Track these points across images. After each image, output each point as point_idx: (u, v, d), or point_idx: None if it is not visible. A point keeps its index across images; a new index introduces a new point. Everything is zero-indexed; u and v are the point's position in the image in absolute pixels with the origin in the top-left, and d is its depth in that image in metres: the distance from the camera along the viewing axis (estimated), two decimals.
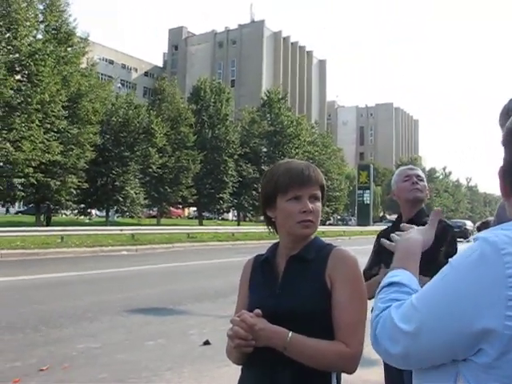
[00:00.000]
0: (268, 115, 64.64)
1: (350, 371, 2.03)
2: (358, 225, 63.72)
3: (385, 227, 4.17)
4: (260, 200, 2.34)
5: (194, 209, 66.95)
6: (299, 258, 2.21)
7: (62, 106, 35.11)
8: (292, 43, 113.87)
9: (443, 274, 1.26)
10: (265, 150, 60.87)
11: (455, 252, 3.48)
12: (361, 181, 75.50)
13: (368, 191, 74.90)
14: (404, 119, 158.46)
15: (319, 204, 2.24)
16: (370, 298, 3.39)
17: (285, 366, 2.01)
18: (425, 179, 3.90)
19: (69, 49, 38.48)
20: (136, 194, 44.29)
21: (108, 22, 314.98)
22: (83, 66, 40.99)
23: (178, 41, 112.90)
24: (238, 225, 55.94)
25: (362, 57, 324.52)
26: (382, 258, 3.65)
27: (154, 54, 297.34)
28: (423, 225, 3.51)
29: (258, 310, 2.00)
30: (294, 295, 2.12)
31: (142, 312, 10.32)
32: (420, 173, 3.89)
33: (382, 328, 1.33)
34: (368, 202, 74.40)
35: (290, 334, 1.98)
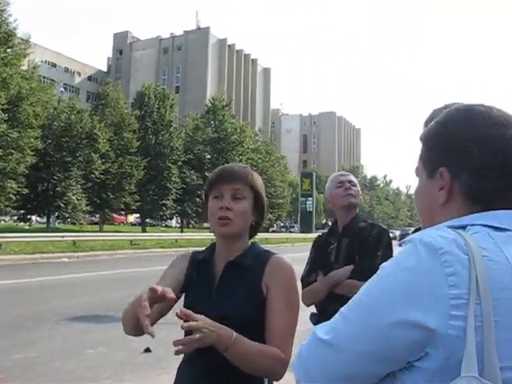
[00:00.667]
0: (212, 122, 64.58)
1: (280, 377, 2.07)
2: (301, 232, 64.24)
3: (320, 234, 4.18)
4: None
5: (137, 215, 66.32)
6: (236, 264, 2.19)
7: (2, 109, 34.06)
8: (237, 51, 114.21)
9: (378, 276, 1.23)
10: (208, 156, 60.82)
11: (391, 255, 3.54)
12: (304, 188, 76.20)
13: (311, 198, 75.64)
14: (346, 128, 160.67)
15: (244, 203, 2.18)
16: (308, 305, 3.51)
17: (221, 369, 1.99)
18: (357, 184, 3.92)
19: (9, 50, 37.06)
20: (78, 200, 43.61)
21: (51, 24, 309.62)
22: (24, 68, 39.88)
23: (123, 45, 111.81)
24: (182, 231, 55.70)
25: (306, 66, 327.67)
26: (319, 265, 3.72)
27: (98, 58, 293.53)
28: (359, 230, 3.66)
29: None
30: (229, 302, 2.10)
31: (82, 320, 10.24)
32: (352, 178, 3.91)
33: (306, 350, 1.27)
34: (311, 209, 75.12)
35: (235, 334, 1.94)
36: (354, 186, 3.84)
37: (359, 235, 3.66)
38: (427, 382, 1.13)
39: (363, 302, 1.20)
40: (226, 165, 2.35)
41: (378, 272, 1.24)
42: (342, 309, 1.24)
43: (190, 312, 1.83)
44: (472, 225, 1.22)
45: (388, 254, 3.51)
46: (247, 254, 2.22)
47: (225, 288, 2.17)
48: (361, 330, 1.17)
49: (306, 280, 3.72)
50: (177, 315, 1.80)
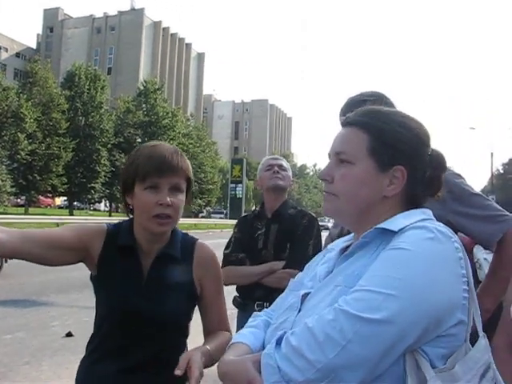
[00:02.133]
0: (144, 105, 63.76)
1: None
2: (231, 218, 64.28)
3: (245, 214, 4.11)
4: (120, 183, 2.13)
5: (65, 198, 64.96)
6: (166, 256, 2.10)
7: None
8: (171, 34, 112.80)
9: (403, 257, 1.30)
10: (139, 140, 59.95)
11: (321, 244, 3.45)
12: (234, 174, 75.93)
13: (240, 185, 75.51)
14: (278, 116, 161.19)
15: (182, 197, 2.05)
16: (227, 284, 3.41)
17: (152, 363, 1.98)
18: (289, 170, 3.86)
19: None
20: (2, 181, 42.29)
21: None
22: None
23: (54, 22, 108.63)
24: (110, 215, 54.81)
25: (240, 52, 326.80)
26: (244, 248, 3.67)
27: (27, 34, 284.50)
28: (289, 216, 3.69)
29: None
30: (161, 299, 2.03)
31: (0, 304, 9.98)
32: (283, 163, 3.86)
33: (339, 333, 1.23)
34: (240, 195, 75.05)
35: (208, 347, 1.92)
36: (284, 170, 3.79)
37: (290, 222, 3.62)
38: (447, 349, 1.32)
39: (410, 281, 1.26)
40: (157, 149, 2.06)
41: (402, 254, 1.31)
42: (374, 288, 1.27)
43: (191, 367, 1.74)
44: (430, 219, 1.44)
45: (318, 242, 3.52)
46: (173, 243, 2.14)
47: (156, 282, 2.06)
48: (412, 304, 1.24)
49: (231, 257, 3.64)
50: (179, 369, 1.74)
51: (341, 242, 1.66)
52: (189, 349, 2.06)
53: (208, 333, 2.17)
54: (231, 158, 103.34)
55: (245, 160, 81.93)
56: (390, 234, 1.39)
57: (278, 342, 1.32)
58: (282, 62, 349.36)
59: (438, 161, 1.55)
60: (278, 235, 3.61)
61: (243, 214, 4.37)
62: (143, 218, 2.02)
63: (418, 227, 1.37)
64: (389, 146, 1.48)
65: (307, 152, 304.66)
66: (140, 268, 2.07)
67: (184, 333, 2.16)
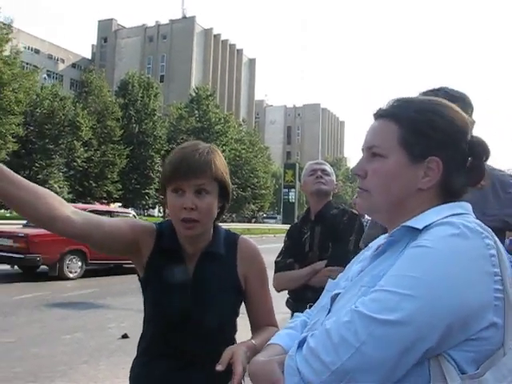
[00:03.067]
0: (196, 112, 64.42)
1: None
2: (283, 223, 64.33)
3: (294, 223, 4.15)
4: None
5: (120, 204, 66.16)
6: (211, 254, 2.08)
7: None
8: (222, 41, 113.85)
9: (422, 255, 1.24)
10: None
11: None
12: (286, 179, 76.09)
13: (293, 190, 75.62)
14: (330, 120, 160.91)
15: (210, 199, 1.97)
16: (279, 290, 3.54)
17: (206, 358, 1.90)
18: (332, 174, 3.90)
19: None
20: (60, 187, 43.43)
21: (35, 10, 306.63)
22: (6, 53, 39.55)
23: (108, 33, 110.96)
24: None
25: (292, 58, 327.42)
26: (293, 254, 3.73)
27: (82, 45, 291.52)
28: (331, 217, 3.69)
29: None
30: (208, 298, 2.03)
31: (60, 306, 10.26)
32: (327, 167, 3.89)
33: (353, 335, 1.21)
34: (293, 200, 75.15)
35: (254, 341, 1.92)
36: (327, 175, 3.84)
37: (331, 222, 3.65)
38: (478, 354, 1.22)
39: (427, 280, 1.20)
40: (183, 151, 2.02)
41: (422, 252, 1.25)
42: (390, 288, 1.22)
43: (234, 362, 1.73)
44: (465, 214, 1.36)
45: (360, 238, 3.47)
46: (217, 241, 2.12)
47: (202, 283, 2.05)
48: (429, 304, 1.18)
49: (281, 263, 3.73)
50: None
51: (380, 240, 1.59)
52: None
53: (255, 328, 2.16)
54: (284, 162, 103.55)
55: (297, 165, 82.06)
56: (417, 231, 1.32)
57: (300, 345, 1.30)
58: (333, 65, 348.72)
59: (478, 149, 1.44)
60: (322, 236, 3.65)
61: (295, 221, 4.39)
62: (174, 221, 2.00)
63: (442, 223, 1.29)
64: (421, 136, 1.40)
65: (360, 156, 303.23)
66: (185, 269, 2.06)
67: (232, 329, 2.17)
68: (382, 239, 1.57)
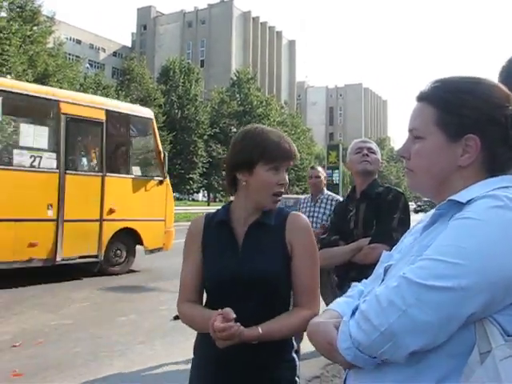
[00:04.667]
0: (237, 95, 64.40)
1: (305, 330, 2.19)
2: None
3: (341, 200, 4.24)
4: (231, 160, 2.26)
5: None
6: (261, 224, 2.23)
7: None
8: (261, 23, 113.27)
9: (467, 225, 1.30)
10: (234, 130, 60.52)
11: (408, 218, 3.56)
12: (330, 161, 75.00)
13: (337, 171, 74.63)
14: (373, 100, 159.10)
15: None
16: (322, 266, 3.54)
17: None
18: (378, 153, 3.94)
19: (34, 27, 37.37)
20: None
21: (75, 1, 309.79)
22: (50, 45, 40.08)
23: (147, 20, 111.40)
24: (208, 205, 55.75)
25: (332, 37, 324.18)
26: (339, 231, 3.79)
27: (122, 33, 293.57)
28: (376, 195, 3.70)
29: (230, 314, 1.94)
30: (256, 260, 2.15)
31: (114, 290, 10.49)
32: (372, 146, 3.93)
33: (401, 299, 1.27)
34: (337, 181, 74.54)
35: (260, 329, 2.02)
36: (373, 153, 3.87)
37: (376, 200, 3.68)
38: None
39: (473, 248, 1.25)
40: (283, 137, 2.29)
41: (466, 222, 1.31)
42: (437, 256, 1.28)
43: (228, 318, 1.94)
44: (510, 187, 1.38)
45: (405, 216, 3.55)
46: (269, 213, 2.26)
47: (251, 247, 2.21)
48: (475, 272, 1.23)
49: (326, 240, 3.78)
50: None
51: (430, 214, 1.61)
52: None
53: (295, 303, 2.23)
54: (327, 144, 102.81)
55: (341, 146, 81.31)
56: (462, 205, 1.38)
57: (354, 312, 1.38)
58: (374, 43, 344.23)
59: None
60: (366, 213, 3.69)
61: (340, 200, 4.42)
62: (262, 194, 2.22)
63: (486, 196, 1.34)
64: (455, 116, 1.45)
65: (405, 135, 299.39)
66: (235, 238, 2.24)
67: (284, 299, 2.23)
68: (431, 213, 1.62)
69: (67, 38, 75.46)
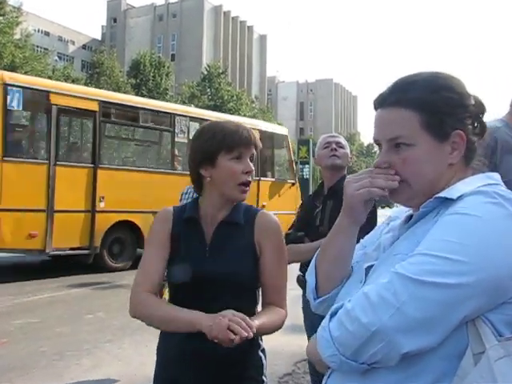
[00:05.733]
0: (208, 90, 64.09)
1: (280, 328, 2.16)
2: None
3: (309, 195, 4.19)
4: (193, 158, 2.23)
5: None
6: (229, 222, 2.20)
7: None
8: (233, 18, 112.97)
9: (461, 221, 1.28)
10: None
11: (375, 216, 3.49)
12: (300, 155, 75.67)
13: (308, 166, 75.36)
14: (343, 95, 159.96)
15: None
16: (288, 263, 3.51)
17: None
18: (347, 147, 3.89)
19: (0, 18, 36.86)
20: None
21: None
22: (17, 36, 39.53)
23: (117, 13, 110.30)
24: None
25: (303, 33, 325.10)
26: (304, 227, 3.76)
27: (92, 26, 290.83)
28: (343, 192, 3.66)
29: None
30: (224, 260, 2.12)
31: (81, 287, 10.39)
32: (341, 140, 3.88)
33: (394, 295, 1.22)
34: (307, 176, 74.93)
35: (257, 322, 1.94)
36: (342, 147, 3.83)
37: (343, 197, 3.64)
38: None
39: (470, 244, 1.22)
40: (239, 125, 2.23)
41: (459, 218, 1.29)
42: (431, 252, 1.24)
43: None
44: (495, 184, 1.39)
45: (372, 215, 3.40)
46: (237, 211, 2.22)
47: (219, 246, 2.16)
48: (471, 268, 1.20)
49: (292, 236, 3.71)
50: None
51: (405, 210, 1.60)
52: None
53: (263, 303, 2.20)
54: (297, 139, 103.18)
55: (311, 141, 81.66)
56: (450, 202, 1.36)
57: (332, 314, 1.33)
58: (345, 39, 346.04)
59: (481, 105, 1.51)
60: (333, 211, 3.58)
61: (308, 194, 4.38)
62: (228, 186, 2.15)
63: (476, 193, 1.33)
64: (441, 115, 1.43)
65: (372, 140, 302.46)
66: (203, 235, 2.19)
67: (251, 300, 2.20)
68: (406, 210, 1.60)
69: (35, 30, 74.38)
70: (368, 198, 1.52)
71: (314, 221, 3.74)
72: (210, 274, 2.09)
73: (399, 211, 1.67)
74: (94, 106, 12.19)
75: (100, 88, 48.54)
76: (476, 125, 1.48)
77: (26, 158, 11.26)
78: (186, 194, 6.06)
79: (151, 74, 55.88)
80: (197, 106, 59.64)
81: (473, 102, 1.47)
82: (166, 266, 2.18)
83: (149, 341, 6.45)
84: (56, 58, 62.74)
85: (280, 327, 2.13)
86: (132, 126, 14.41)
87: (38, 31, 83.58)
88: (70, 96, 11.78)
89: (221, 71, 66.75)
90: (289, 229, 3.81)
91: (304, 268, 3.70)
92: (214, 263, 2.11)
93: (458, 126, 1.43)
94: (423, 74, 1.51)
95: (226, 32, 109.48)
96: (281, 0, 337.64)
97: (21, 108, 11.10)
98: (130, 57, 71.00)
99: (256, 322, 1.92)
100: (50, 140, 11.34)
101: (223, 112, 60.71)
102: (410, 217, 1.53)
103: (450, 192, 1.38)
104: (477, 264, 1.20)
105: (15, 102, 10.67)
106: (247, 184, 2.16)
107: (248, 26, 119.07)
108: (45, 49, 58.83)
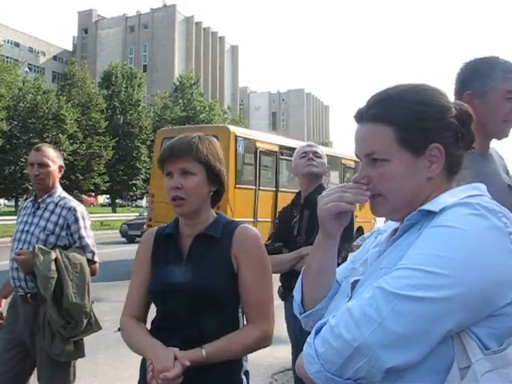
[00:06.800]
0: (181, 101, 63.96)
1: (266, 346, 2.16)
2: None
3: (285, 205, 4.18)
4: None
5: (107, 196, 65.77)
6: (206, 236, 2.18)
7: None
8: (204, 28, 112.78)
9: (444, 234, 1.27)
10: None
11: (352, 226, 3.51)
12: None
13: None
14: (315, 105, 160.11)
15: (194, 180, 2.12)
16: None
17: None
18: (324, 157, 3.88)
19: None
20: None
21: (13, 2, 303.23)
22: None
23: (88, 24, 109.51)
24: (114, 212, 54.67)
25: (274, 43, 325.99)
26: (283, 237, 3.75)
27: (63, 37, 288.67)
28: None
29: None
30: (199, 275, 2.10)
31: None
32: (318, 150, 3.88)
33: (375, 310, 1.22)
34: None
35: (203, 351, 1.97)
36: (319, 157, 3.82)
37: None
38: (501, 330, 1.27)
39: (453, 258, 1.22)
40: (174, 139, 2.20)
41: (442, 231, 1.28)
42: (413, 265, 1.24)
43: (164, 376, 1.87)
44: (479, 195, 1.38)
45: (348, 224, 3.48)
46: (215, 225, 2.21)
47: (195, 260, 2.15)
48: (454, 282, 1.20)
49: (270, 247, 3.63)
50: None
51: (393, 224, 1.60)
52: None
53: (247, 320, 2.18)
54: None
55: None
56: (433, 214, 1.35)
57: (317, 331, 1.31)
58: (316, 50, 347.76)
59: (464, 117, 1.48)
60: (309, 221, 3.61)
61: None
62: (169, 203, 2.16)
63: (459, 204, 1.32)
64: (416, 130, 1.42)
65: (346, 140, 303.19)
66: (180, 250, 2.19)
67: (231, 316, 2.18)
68: (394, 224, 1.60)
69: (5, 41, 73.75)
70: (335, 212, 1.52)
71: (291, 231, 3.73)
72: (187, 289, 2.09)
73: (387, 225, 1.66)
74: (276, 148, 17.08)
75: (71, 99, 48.38)
76: (459, 137, 1.46)
77: (245, 185, 15.67)
78: None
79: (123, 85, 55.56)
80: (169, 117, 59.68)
81: (453, 113, 1.45)
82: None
83: (124, 355, 6.37)
84: (26, 69, 61.98)
85: (255, 346, 2.11)
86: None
87: (8, 42, 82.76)
88: (265, 142, 16.78)
89: (193, 82, 66.61)
90: (267, 239, 3.80)
91: (283, 278, 3.72)
92: (189, 277, 2.10)
93: (435, 139, 1.42)
94: (398, 87, 1.51)
95: (197, 43, 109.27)
96: (252, 11, 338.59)
97: (242, 152, 15.88)
98: (101, 68, 70.59)
99: (202, 354, 1.97)
100: (256, 172, 16.05)
101: (196, 123, 60.93)
102: (396, 230, 1.51)
103: (433, 204, 1.37)
104: (459, 277, 1.20)
105: (240, 148, 15.56)
106: (175, 199, 2.12)
107: (220, 37, 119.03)
108: (15, 60, 58.36)
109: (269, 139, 17.85)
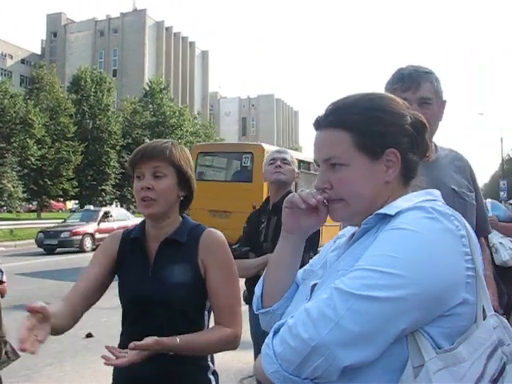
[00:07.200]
0: (150, 106, 63.60)
1: (235, 347, 2.18)
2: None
3: (254, 210, 4.20)
4: None
5: (76, 202, 65.04)
6: (172, 241, 2.20)
7: None
8: (175, 33, 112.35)
9: (399, 235, 1.31)
10: (147, 140, 59.21)
11: (318, 233, 3.44)
12: None
13: None
14: (285, 110, 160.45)
15: (165, 182, 2.16)
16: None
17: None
18: (293, 163, 3.88)
19: None
20: (14, 187, 42.41)
21: None
22: None
23: (57, 28, 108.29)
24: (39, 218, 53.34)
25: (244, 48, 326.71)
26: (250, 242, 3.76)
27: (31, 40, 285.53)
28: None
29: (132, 344, 1.89)
30: (167, 280, 2.13)
31: (18, 309, 10.08)
32: (287, 156, 3.87)
33: (332, 310, 1.25)
34: None
35: (178, 339, 1.97)
36: (287, 164, 3.81)
37: None
38: (452, 330, 1.30)
39: (407, 259, 1.26)
40: (146, 142, 2.29)
41: (397, 233, 1.32)
42: (369, 266, 1.27)
43: (139, 344, 1.88)
44: (433, 200, 1.43)
45: (313, 234, 3.50)
46: (181, 230, 2.24)
47: (161, 266, 2.18)
48: (408, 282, 1.24)
49: (237, 251, 3.64)
50: (130, 348, 1.87)
51: (351, 229, 1.64)
52: None
53: (216, 322, 2.19)
54: None
55: None
56: (389, 217, 1.39)
57: (276, 332, 1.33)
58: (285, 55, 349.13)
59: (419, 125, 1.53)
60: (277, 227, 3.58)
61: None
62: (137, 204, 2.20)
63: (414, 208, 1.37)
64: (373, 135, 1.46)
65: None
66: (147, 255, 2.22)
67: (195, 321, 2.19)
68: (352, 228, 1.62)
69: None
70: (290, 206, 1.60)
71: (258, 236, 3.75)
72: (152, 293, 2.12)
73: (346, 230, 1.69)
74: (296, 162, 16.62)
75: (40, 104, 47.83)
76: (414, 143, 1.50)
77: None
78: None
79: (92, 90, 55.06)
80: (139, 122, 59.36)
81: (408, 120, 1.49)
82: (102, 283, 2.25)
83: (92, 362, 6.35)
84: None
85: (220, 346, 2.15)
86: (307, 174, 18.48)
87: None
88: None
89: (163, 87, 66.31)
90: (235, 243, 3.79)
91: (249, 283, 3.73)
92: (155, 282, 2.14)
93: (391, 144, 1.46)
94: (355, 95, 1.55)
95: (168, 48, 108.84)
96: (222, 17, 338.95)
97: None
98: (70, 72, 69.81)
99: (177, 340, 1.97)
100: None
101: (165, 128, 60.72)
102: (354, 234, 1.55)
103: (389, 208, 1.41)
104: (412, 277, 1.24)
105: None
106: (145, 199, 2.15)
107: (190, 42, 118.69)
108: None
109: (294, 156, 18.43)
